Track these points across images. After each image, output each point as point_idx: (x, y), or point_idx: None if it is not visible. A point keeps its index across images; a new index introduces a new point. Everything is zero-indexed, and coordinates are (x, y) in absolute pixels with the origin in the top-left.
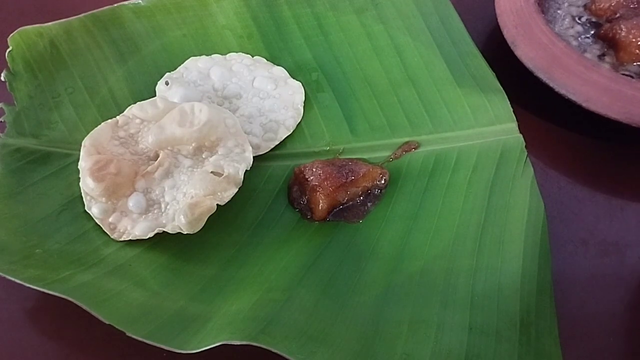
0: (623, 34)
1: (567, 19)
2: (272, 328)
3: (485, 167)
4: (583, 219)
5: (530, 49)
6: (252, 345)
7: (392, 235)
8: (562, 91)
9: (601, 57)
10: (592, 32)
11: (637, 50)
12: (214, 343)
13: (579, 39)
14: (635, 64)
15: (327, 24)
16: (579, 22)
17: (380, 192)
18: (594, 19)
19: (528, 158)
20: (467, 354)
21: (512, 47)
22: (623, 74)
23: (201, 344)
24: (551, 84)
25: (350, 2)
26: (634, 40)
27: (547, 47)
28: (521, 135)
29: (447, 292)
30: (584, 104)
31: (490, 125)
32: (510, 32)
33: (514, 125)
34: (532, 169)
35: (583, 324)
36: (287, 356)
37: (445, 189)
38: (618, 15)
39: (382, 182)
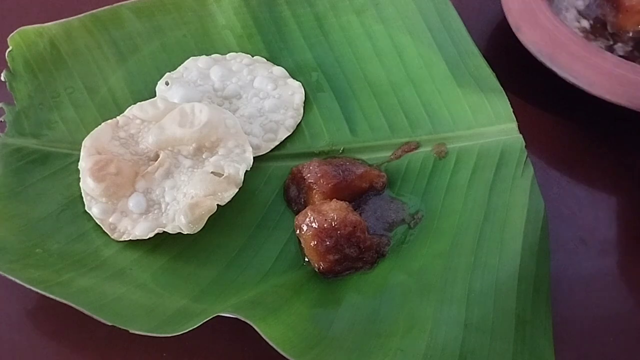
0: None
1: None
2: (271, 319)
3: (485, 168)
4: (583, 219)
5: (534, 33)
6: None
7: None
8: (566, 75)
9: (595, 26)
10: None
11: (638, 15)
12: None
13: (580, 10)
14: (633, 30)
15: (327, 24)
16: None
17: (379, 194)
18: None
19: (528, 158)
20: (461, 350)
21: (515, 33)
22: (621, 56)
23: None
24: (555, 69)
25: (350, 2)
26: (636, 3)
27: (552, 33)
28: (521, 136)
29: (445, 289)
30: (587, 88)
31: (490, 125)
32: (514, 18)
33: (514, 125)
34: (532, 169)
35: (583, 323)
36: (283, 353)
37: (445, 190)
38: None
39: (380, 184)
